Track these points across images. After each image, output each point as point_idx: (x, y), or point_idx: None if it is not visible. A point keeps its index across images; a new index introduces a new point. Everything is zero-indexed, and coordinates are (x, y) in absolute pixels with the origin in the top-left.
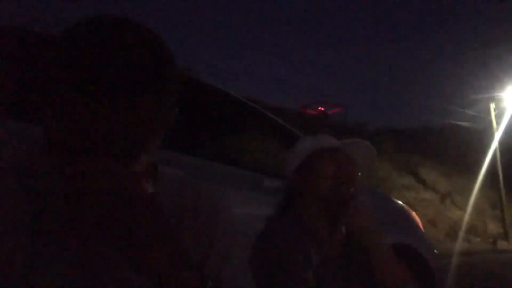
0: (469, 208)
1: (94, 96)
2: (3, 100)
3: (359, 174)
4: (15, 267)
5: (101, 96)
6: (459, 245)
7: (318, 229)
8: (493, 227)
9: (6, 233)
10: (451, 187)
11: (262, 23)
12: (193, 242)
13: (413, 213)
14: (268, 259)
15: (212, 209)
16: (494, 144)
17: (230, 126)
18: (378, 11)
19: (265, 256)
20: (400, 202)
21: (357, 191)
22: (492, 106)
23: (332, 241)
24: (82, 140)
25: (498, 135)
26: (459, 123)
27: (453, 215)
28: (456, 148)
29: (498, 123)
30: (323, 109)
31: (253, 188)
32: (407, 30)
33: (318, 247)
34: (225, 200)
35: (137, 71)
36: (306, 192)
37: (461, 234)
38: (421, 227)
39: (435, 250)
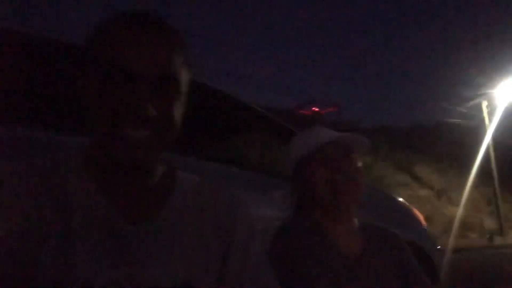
0: (465, 205)
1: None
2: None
3: (361, 170)
4: (43, 265)
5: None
6: (457, 241)
7: (330, 230)
8: (489, 223)
9: (33, 232)
10: (446, 184)
11: (253, 24)
12: (213, 239)
13: (415, 210)
14: (284, 259)
15: (230, 207)
16: (487, 141)
17: (232, 127)
18: (370, 9)
19: (282, 257)
20: (401, 199)
21: (361, 192)
22: (485, 103)
23: (348, 241)
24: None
25: (490, 132)
26: (452, 120)
27: (449, 211)
28: (450, 145)
29: (491, 120)
30: (317, 109)
31: (256, 188)
32: (399, 28)
33: (335, 249)
34: (243, 199)
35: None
36: (307, 195)
37: (458, 230)
38: (423, 223)
39: (438, 246)
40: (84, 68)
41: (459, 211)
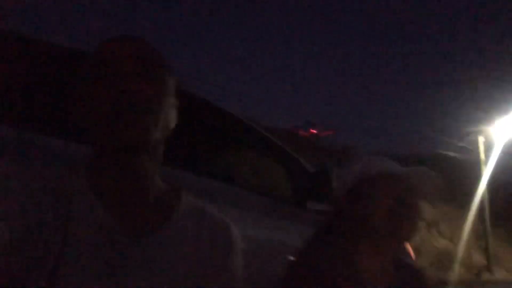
0: (455, 239)
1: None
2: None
3: (422, 209)
4: (45, 265)
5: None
6: (444, 275)
7: (364, 262)
8: (478, 258)
9: (38, 233)
10: (437, 216)
11: (255, 42)
12: (208, 261)
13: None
14: (306, 280)
15: (224, 244)
16: (484, 178)
17: (228, 145)
18: (370, 37)
19: (303, 277)
20: None
21: (417, 230)
22: (481, 139)
23: (380, 279)
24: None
25: (486, 170)
26: (448, 153)
27: (438, 244)
28: (444, 177)
29: (487, 156)
30: (315, 131)
31: (246, 207)
32: (400, 59)
33: (362, 283)
34: (238, 235)
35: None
36: (356, 220)
37: (446, 264)
38: (413, 256)
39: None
40: (82, 74)
41: (451, 245)
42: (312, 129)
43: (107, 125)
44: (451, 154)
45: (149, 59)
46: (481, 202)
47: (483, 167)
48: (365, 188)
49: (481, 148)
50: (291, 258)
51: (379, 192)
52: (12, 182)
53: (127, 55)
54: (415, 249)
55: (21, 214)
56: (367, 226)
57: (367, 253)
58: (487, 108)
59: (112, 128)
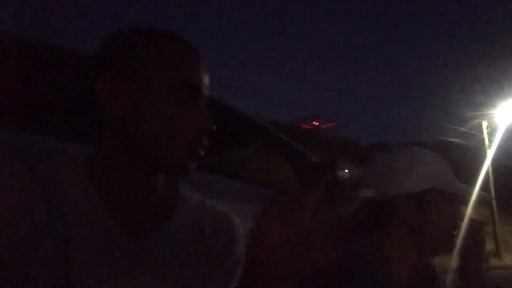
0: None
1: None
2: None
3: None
4: (38, 271)
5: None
6: (453, 261)
7: (397, 260)
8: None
9: (26, 235)
10: None
11: (258, 39)
12: (208, 261)
13: None
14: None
15: (228, 235)
16: (487, 162)
17: (231, 140)
18: (372, 28)
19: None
20: None
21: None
22: (485, 123)
23: (414, 277)
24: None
25: (491, 153)
26: (452, 139)
27: None
28: (449, 164)
29: (490, 141)
30: (317, 123)
31: (252, 201)
32: (402, 46)
33: (397, 281)
34: (239, 225)
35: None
36: (410, 224)
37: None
38: None
39: (436, 267)
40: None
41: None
42: (315, 121)
43: (163, 148)
44: (455, 140)
45: (192, 75)
46: (488, 188)
47: (487, 152)
48: (429, 198)
49: (485, 133)
50: None
51: (444, 207)
52: (3, 177)
53: (164, 65)
54: None
55: (13, 212)
56: (420, 232)
57: (405, 254)
58: (489, 91)
59: (171, 153)
